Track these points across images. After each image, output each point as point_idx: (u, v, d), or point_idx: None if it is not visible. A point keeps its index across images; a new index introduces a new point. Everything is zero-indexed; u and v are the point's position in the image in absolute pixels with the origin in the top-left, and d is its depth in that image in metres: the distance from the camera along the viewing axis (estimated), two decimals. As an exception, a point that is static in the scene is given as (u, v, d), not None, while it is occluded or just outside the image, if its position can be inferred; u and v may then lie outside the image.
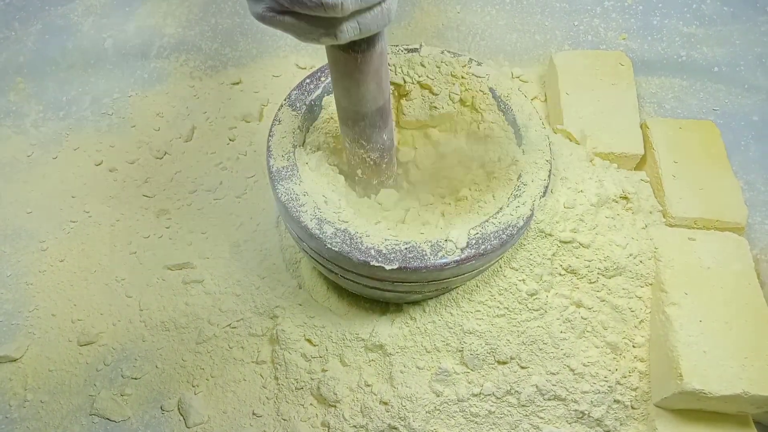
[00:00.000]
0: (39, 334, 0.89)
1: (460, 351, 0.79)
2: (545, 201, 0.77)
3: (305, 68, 1.18)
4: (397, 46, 0.86)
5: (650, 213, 0.92)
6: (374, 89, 0.66)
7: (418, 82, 0.83)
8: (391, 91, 0.71)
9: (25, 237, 0.98)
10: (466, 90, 0.83)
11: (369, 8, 0.54)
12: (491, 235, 0.69)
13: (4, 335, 0.89)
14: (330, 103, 0.83)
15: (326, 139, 0.83)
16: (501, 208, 0.72)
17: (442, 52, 0.85)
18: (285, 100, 0.80)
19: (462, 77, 0.83)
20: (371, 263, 0.67)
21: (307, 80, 0.82)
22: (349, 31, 0.54)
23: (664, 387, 0.77)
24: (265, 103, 1.14)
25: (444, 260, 0.67)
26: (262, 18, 0.54)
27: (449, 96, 0.83)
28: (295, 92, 0.81)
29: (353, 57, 0.61)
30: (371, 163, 0.76)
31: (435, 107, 0.83)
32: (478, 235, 0.69)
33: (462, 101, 0.83)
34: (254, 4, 0.54)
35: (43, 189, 1.04)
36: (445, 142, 0.86)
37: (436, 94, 0.83)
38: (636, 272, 0.83)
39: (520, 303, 0.79)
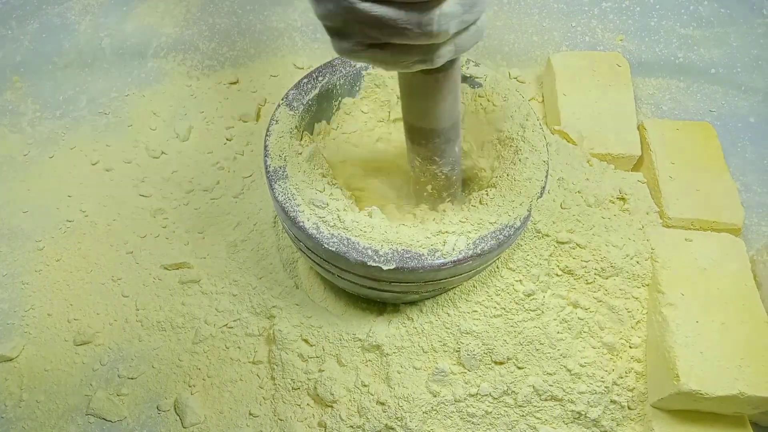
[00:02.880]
0: (35, 334, 0.89)
1: (457, 351, 0.79)
2: (542, 202, 0.77)
3: (303, 68, 1.18)
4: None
5: (647, 214, 0.92)
6: (451, 105, 0.63)
7: None
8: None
9: (21, 236, 0.98)
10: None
11: (466, 29, 0.51)
12: (488, 235, 0.69)
13: (0, 334, 0.89)
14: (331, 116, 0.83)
15: (325, 138, 0.83)
16: (498, 210, 0.72)
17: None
18: (282, 99, 0.80)
19: None
20: (368, 263, 0.67)
21: (305, 80, 0.82)
22: (445, 55, 0.51)
23: (661, 388, 0.77)
24: (263, 102, 1.13)
25: (441, 261, 0.67)
26: (349, 54, 0.51)
27: None
28: (292, 92, 0.81)
29: (434, 78, 0.58)
30: (442, 177, 0.73)
31: None
32: (475, 236, 0.69)
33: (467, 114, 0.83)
34: (339, 42, 0.50)
35: (40, 188, 1.04)
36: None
37: None
38: (633, 273, 0.83)
39: (517, 303, 0.79)
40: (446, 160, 0.71)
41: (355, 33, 0.49)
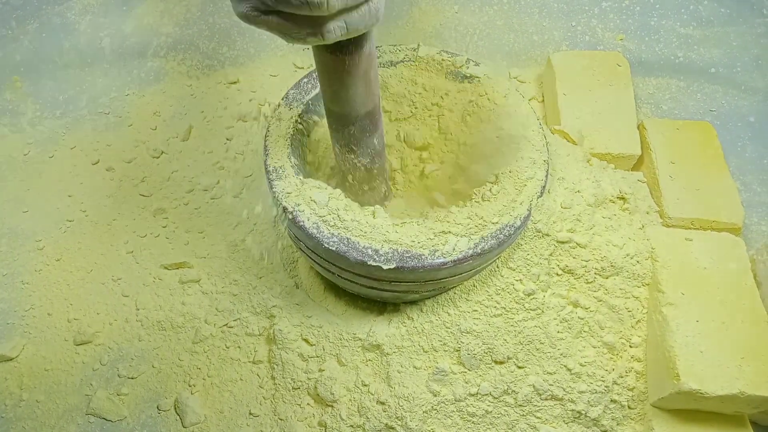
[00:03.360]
0: (35, 334, 0.89)
1: (457, 351, 0.79)
2: (542, 201, 0.77)
3: (303, 68, 1.18)
4: (395, 46, 0.86)
5: (647, 213, 0.92)
6: (363, 92, 0.65)
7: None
8: (380, 95, 0.70)
9: (22, 236, 0.98)
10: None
11: (356, 7, 0.52)
12: (489, 235, 0.69)
13: (0, 334, 0.89)
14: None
15: (324, 139, 0.83)
16: (498, 209, 0.72)
17: (440, 52, 0.85)
18: (282, 99, 0.80)
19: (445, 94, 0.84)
20: (368, 263, 0.67)
21: (305, 80, 0.82)
22: (335, 31, 0.53)
23: (661, 387, 0.77)
24: (263, 102, 1.13)
25: (441, 260, 0.67)
26: (246, 18, 0.53)
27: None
28: (292, 91, 0.81)
29: (341, 59, 0.61)
30: (362, 168, 0.75)
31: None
32: (475, 236, 0.69)
33: (468, 114, 0.84)
34: (238, 3, 0.53)
35: (40, 188, 1.04)
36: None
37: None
38: (633, 272, 0.83)
39: (517, 303, 0.79)
40: (363, 151, 0.73)
41: None
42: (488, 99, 0.82)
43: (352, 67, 0.61)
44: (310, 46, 0.60)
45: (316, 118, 0.82)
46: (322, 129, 0.83)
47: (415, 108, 0.86)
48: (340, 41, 0.56)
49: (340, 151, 0.74)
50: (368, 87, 0.65)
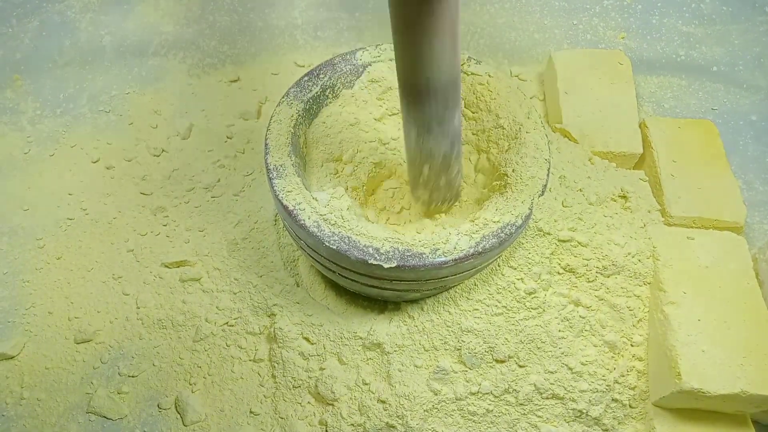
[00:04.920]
0: (35, 332, 0.89)
1: (458, 350, 0.79)
2: (544, 200, 0.77)
3: (304, 66, 1.18)
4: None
5: (649, 212, 0.92)
6: (449, 49, 0.56)
7: None
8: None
9: (22, 234, 0.98)
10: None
11: None
12: (490, 234, 0.69)
13: (1, 333, 0.89)
14: (330, 106, 0.82)
15: (325, 137, 0.83)
16: (499, 208, 0.72)
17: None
18: (283, 97, 0.80)
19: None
20: (369, 261, 0.67)
21: (306, 78, 0.82)
22: None
23: (663, 386, 0.77)
24: (263, 100, 1.13)
25: (442, 259, 0.67)
26: None
27: None
28: (293, 90, 0.81)
29: (428, 6, 0.53)
30: (439, 156, 0.67)
31: None
32: (476, 234, 0.69)
33: (466, 106, 0.83)
34: None
35: (40, 186, 1.04)
36: None
37: None
38: (634, 271, 0.83)
39: (518, 302, 0.79)
40: (445, 130, 0.64)
41: None
42: (489, 90, 0.82)
43: (439, 15, 0.53)
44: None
45: (318, 115, 0.82)
46: (321, 127, 0.83)
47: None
48: None
49: (416, 136, 0.65)
50: (455, 42, 0.56)
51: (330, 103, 0.83)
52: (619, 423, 0.80)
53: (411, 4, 0.53)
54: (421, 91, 0.60)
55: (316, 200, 0.71)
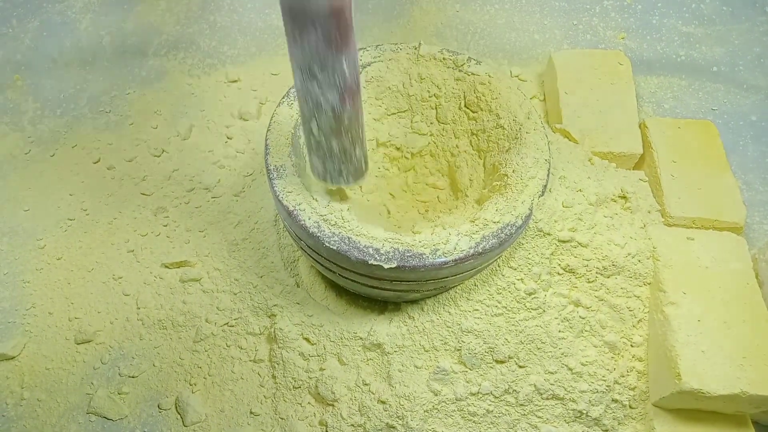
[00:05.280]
0: (36, 332, 0.89)
1: (458, 350, 0.79)
2: (544, 200, 0.77)
3: (304, 66, 1.18)
4: (396, 44, 0.86)
5: (649, 212, 0.92)
6: None
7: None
8: None
9: (23, 235, 0.98)
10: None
11: None
12: (490, 234, 0.69)
13: (1, 333, 0.89)
14: None
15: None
16: (499, 208, 0.72)
17: (441, 51, 0.85)
18: (283, 98, 0.80)
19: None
20: (369, 262, 0.67)
21: (306, 78, 0.82)
22: None
23: (663, 386, 0.77)
24: (263, 101, 1.13)
25: (442, 259, 0.67)
26: None
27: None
28: (293, 90, 0.81)
29: None
30: (329, 111, 0.58)
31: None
32: (476, 235, 0.69)
33: (467, 105, 0.83)
34: None
35: (41, 187, 1.04)
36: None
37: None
38: (634, 272, 0.83)
39: (518, 302, 0.79)
40: (329, 78, 0.55)
41: None
42: (489, 89, 0.82)
43: None
44: None
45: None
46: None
47: (415, 101, 0.86)
48: None
49: (300, 81, 0.57)
50: None
51: None
52: (619, 423, 0.80)
53: None
54: (298, 17, 0.51)
55: (317, 200, 0.71)
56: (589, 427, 0.80)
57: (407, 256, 0.67)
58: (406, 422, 0.77)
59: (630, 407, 0.80)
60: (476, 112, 0.83)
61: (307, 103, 0.59)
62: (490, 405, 0.78)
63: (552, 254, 0.81)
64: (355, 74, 0.57)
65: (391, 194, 0.87)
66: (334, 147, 0.63)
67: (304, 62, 0.55)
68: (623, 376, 0.80)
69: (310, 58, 0.54)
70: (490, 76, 0.83)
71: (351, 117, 0.60)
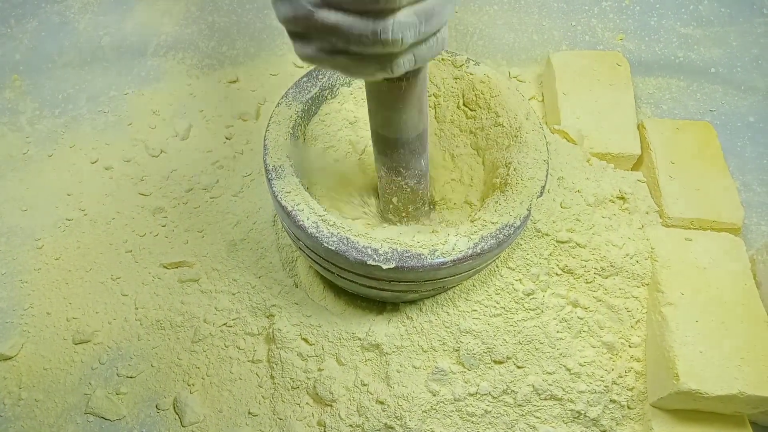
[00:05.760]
0: (34, 333, 0.89)
1: (456, 350, 0.79)
2: (542, 201, 0.77)
3: (303, 67, 1.18)
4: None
5: (647, 213, 0.92)
6: (416, 116, 0.63)
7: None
8: (428, 116, 0.68)
9: (21, 235, 0.98)
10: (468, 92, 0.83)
11: (426, 39, 0.51)
12: (488, 235, 0.69)
13: (-1, 333, 0.89)
14: (328, 108, 0.83)
15: (323, 135, 0.83)
16: (498, 209, 0.72)
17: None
18: (282, 98, 0.80)
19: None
20: (368, 262, 0.67)
21: (305, 79, 0.82)
22: (404, 64, 0.51)
23: (661, 387, 0.77)
24: (262, 101, 1.13)
25: (441, 260, 0.67)
26: (311, 60, 0.51)
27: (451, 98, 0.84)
28: (292, 91, 0.81)
29: (397, 86, 0.59)
30: (408, 190, 0.74)
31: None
32: (474, 235, 0.69)
33: (465, 104, 0.83)
34: (303, 46, 0.51)
35: (39, 187, 1.04)
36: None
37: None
38: (632, 272, 0.83)
39: (516, 303, 0.79)
40: (411, 173, 0.71)
41: (316, 39, 0.50)
42: (489, 87, 0.82)
43: (408, 93, 0.59)
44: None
45: (315, 115, 0.82)
46: (320, 125, 0.83)
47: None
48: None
49: (386, 174, 0.72)
50: (421, 110, 0.63)
51: (329, 100, 0.83)
52: (617, 424, 0.80)
53: (382, 88, 0.59)
54: (390, 144, 0.67)
55: (315, 201, 0.71)
56: (587, 428, 0.80)
57: (406, 257, 0.67)
58: (405, 422, 0.77)
59: (628, 408, 0.80)
60: (475, 110, 0.83)
61: (390, 187, 0.74)
62: (488, 405, 0.78)
63: (550, 255, 0.81)
64: (427, 164, 0.72)
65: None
66: (410, 209, 0.77)
67: (392, 166, 0.70)
68: (621, 377, 0.80)
69: (398, 163, 0.70)
70: (488, 75, 0.83)
71: (424, 188, 0.75)
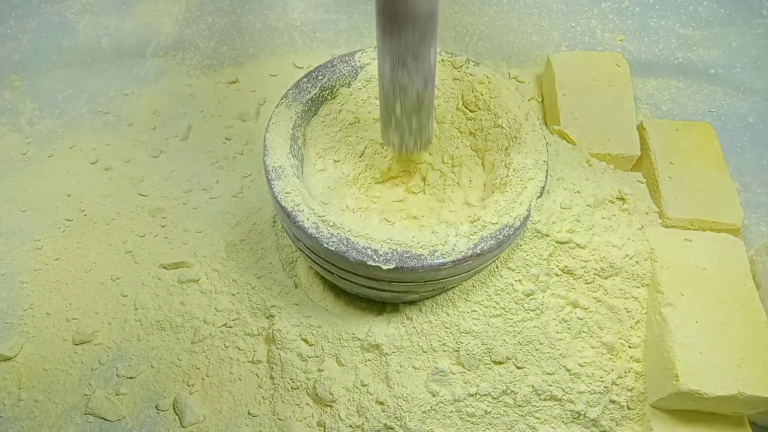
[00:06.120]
0: (33, 333, 0.89)
1: (456, 351, 0.79)
2: (542, 202, 0.77)
3: (302, 67, 1.18)
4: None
5: (646, 214, 0.92)
6: None
7: None
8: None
9: (20, 235, 0.98)
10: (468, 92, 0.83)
11: None
12: (488, 235, 0.69)
13: (-1, 334, 0.89)
14: (329, 104, 0.83)
15: (323, 136, 0.83)
16: (498, 210, 0.72)
17: (440, 52, 0.85)
18: (282, 99, 0.80)
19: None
20: (368, 263, 0.67)
21: (304, 79, 0.82)
22: None
23: (660, 387, 0.77)
24: (262, 102, 1.13)
25: (440, 260, 0.67)
26: None
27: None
28: (292, 91, 0.81)
29: None
30: (413, 94, 0.67)
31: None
32: (474, 236, 0.69)
33: (465, 105, 0.83)
34: None
35: (38, 187, 1.04)
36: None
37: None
38: (632, 273, 0.83)
39: (516, 303, 0.79)
40: (419, 66, 0.65)
41: None
42: (488, 86, 0.82)
43: None
44: None
45: (316, 115, 0.82)
46: (320, 126, 0.83)
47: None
48: None
49: (390, 69, 0.66)
50: None
51: (329, 101, 0.83)
52: (616, 424, 0.80)
53: None
54: (399, 19, 0.60)
55: (315, 201, 0.71)
56: (586, 428, 0.80)
57: (405, 257, 0.67)
58: (404, 423, 0.77)
59: (628, 408, 0.80)
60: (474, 111, 0.83)
61: (394, 88, 0.67)
62: (488, 406, 0.79)
63: (550, 255, 0.81)
64: (435, 60, 0.65)
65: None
66: (413, 123, 0.70)
67: (399, 55, 0.63)
68: (621, 377, 0.80)
69: (405, 51, 0.63)
70: (488, 77, 0.83)
71: (430, 96, 0.68)
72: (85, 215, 1.00)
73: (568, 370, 0.79)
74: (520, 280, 0.80)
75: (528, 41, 1.22)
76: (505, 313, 0.79)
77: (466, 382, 0.79)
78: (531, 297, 0.79)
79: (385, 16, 0.61)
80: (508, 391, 0.79)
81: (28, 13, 1.26)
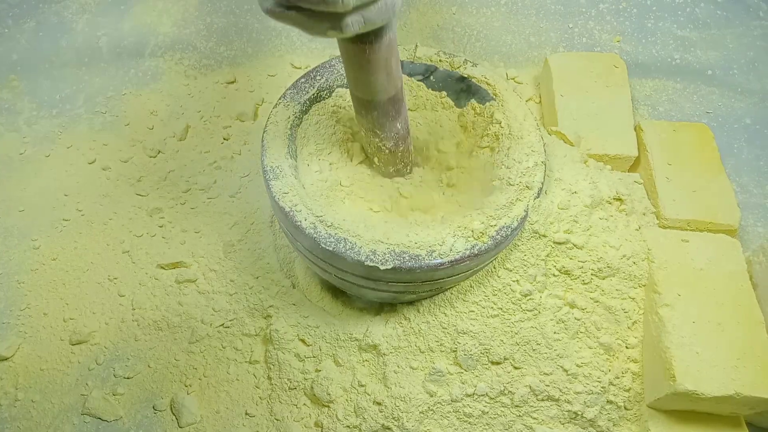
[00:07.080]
0: (30, 333, 0.89)
1: (453, 351, 0.79)
2: (539, 202, 0.77)
3: (300, 68, 1.18)
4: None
5: (644, 214, 0.92)
6: (384, 80, 0.67)
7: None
8: (402, 81, 0.72)
9: (17, 235, 0.98)
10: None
11: (372, 2, 0.55)
12: (486, 236, 0.69)
13: (-5, 334, 0.89)
14: (324, 104, 0.83)
15: (322, 137, 0.83)
16: (496, 210, 0.72)
17: (438, 53, 0.85)
18: (280, 99, 0.80)
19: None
20: (366, 263, 0.67)
21: (302, 80, 0.82)
22: (353, 25, 0.56)
23: (657, 388, 0.77)
24: (260, 102, 1.13)
25: (438, 261, 0.67)
26: (271, 13, 0.57)
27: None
28: (290, 91, 0.81)
29: (361, 48, 0.63)
30: (386, 151, 0.77)
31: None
32: (472, 237, 0.69)
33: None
34: (263, 0, 0.56)
35: (36, 187, 1.03)
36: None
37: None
38: (629, 273, 0.83)
39: (513, 304, 0.79)
40: (387, 135, 0.75)
41: None
42: (486, 85, 0.82)
43: (373, 56, 0.64)
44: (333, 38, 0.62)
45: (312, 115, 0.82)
46: (314, 125, 0.83)
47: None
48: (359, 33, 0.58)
49: (365, 135, 0.77)
50: (389, 74, 0.67)
51: (326, 101, 0.83)
52: (614, 425, 0.80)
53: (350, 50, 0.64)
54: (364, 104, 0.71)
55: (312, 201, 0.71)
56: (584, 429, 0.80)
57: (403, 258, 0.67)
58: (402, 423, 0.77)
59: (625, 408, 0.80)
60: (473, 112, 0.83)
61: (370, 147, 0.78)
62: (485, 406, 0.79)
63: (547, 256, 0.81)
64: (405, 128, 0.76)
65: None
66: (390, 170, 0.81)
67: (369, 127, 0.74)
68: (618, 378, 0.80)
69: (373, 125, 0.74)
70: (485, 77, 0.83)
71: (402, 151, 0.79)
72: (82, 215, 1.00)
73: (566, 371, 0.79)
74: (517, 281, 0.80)
75: (526, 42, 1.23)
76: (502, 313, 0.79)
77: (463, 383, 0.79)
78: (528, 297, 0.80)
79: (355, 101, 0.72)
80: (506, 392, 0.79)
81: (26, 12, 1.26)
